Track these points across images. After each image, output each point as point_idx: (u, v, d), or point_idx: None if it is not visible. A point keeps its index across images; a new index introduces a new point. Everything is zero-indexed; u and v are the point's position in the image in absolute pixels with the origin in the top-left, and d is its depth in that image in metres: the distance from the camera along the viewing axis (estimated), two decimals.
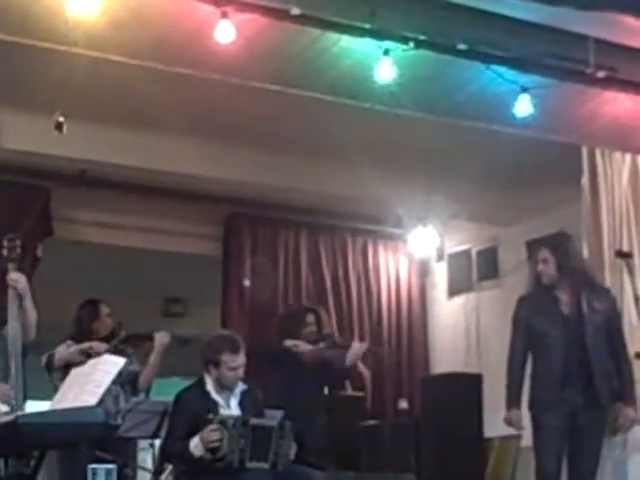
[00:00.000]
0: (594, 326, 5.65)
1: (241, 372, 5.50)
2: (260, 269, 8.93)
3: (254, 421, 5.34)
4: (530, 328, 5.74)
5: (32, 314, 5.01)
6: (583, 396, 5.59)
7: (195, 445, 5.26)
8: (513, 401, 5.68)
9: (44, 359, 6.35)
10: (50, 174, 7.91)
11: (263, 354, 6.84)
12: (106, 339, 6.49)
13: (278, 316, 7.86)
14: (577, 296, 5.70)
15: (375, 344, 8.60)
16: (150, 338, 6.66)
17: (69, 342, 6.46)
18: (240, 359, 5.48)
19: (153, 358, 6.62)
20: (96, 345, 6.24)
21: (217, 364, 5.47)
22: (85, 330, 6.54)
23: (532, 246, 7.85)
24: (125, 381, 6.38)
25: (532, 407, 5.70)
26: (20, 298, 4.88)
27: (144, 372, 6.62)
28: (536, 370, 5.71)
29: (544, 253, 5.77)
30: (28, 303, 4.94)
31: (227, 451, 5.20)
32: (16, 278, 4.89)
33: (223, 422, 5.24)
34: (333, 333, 7.57)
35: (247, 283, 8.73)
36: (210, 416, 5.29)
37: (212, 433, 5.22)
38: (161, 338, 6.61)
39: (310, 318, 7.03)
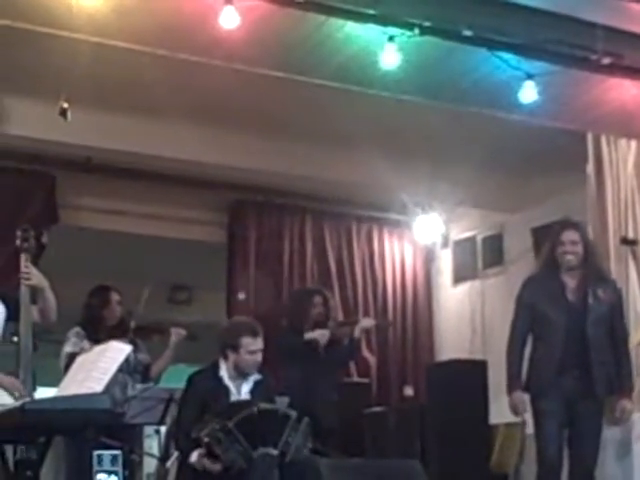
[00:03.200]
0: (597, 316, 5.62)
1: (260, 356, 5.45)
2: (265, 256, 8.95)
3: (267, 406, 5.26)
4: (533, 310, 5.70)
5: (53, 301, 4.94)
6: (579, 384, 5.57)
7: (195, 461, 5.16)
8: (514, 383, 5.66)
9: (64, 360, 6.18)
10: (55, 161, 7.92)
11: (282, 349, 6.90)
12: (115, 328, 6.45)
13: (287, 299, 7.99)
14: (584, 284, 5.66)
15: (380, 319, 8.73)
16: (161, 331, 6.67)
17: (77, 329, 6.45)
18: (259, 343, 5.44)
19: (168, 352, 6.66)
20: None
21: (236, 348, 5.41)
22: (94, 317, 6.51)
23: (539, 232, 7.87)
24: (133, 370, 6.39)
25: (529, 390, 5.68)
26: (34, 290, 4.82)
27: (157, 364, 6.64)
28: (535, 353, 5.71)
29: (572, 235, 5.67)
30: (48, 293, 4.88)
31: (230, 464, 5.07)
32: (28, 271, 4.83)
33: (212, 437, 5.06)
34: (337, 316, 7.72)
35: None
36: (194, 434, 5.12)
37: (207, 462, 5.07)
38: (178, 334, 6.64)
39: (317, 299, 7.14)
